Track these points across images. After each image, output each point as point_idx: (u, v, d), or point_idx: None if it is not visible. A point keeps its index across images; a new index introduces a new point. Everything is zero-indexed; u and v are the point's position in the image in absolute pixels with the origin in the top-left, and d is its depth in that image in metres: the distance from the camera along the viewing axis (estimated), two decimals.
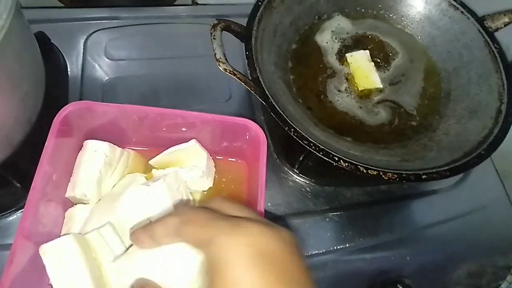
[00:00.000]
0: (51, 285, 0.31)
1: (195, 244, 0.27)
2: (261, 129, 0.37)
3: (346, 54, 0.52)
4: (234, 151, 0.42)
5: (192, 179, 0.39)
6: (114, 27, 0.58)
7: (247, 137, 0.39)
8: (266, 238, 0.25)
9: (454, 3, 0.51)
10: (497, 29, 0.49)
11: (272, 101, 0.41)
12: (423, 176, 0.39)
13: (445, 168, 0.40)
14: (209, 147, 0.41)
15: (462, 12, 0.50)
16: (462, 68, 0.50)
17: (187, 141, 0.39)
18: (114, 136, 0.40)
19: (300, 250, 0.27)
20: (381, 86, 0.50)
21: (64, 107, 0.36)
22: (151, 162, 0.40)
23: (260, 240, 0.25)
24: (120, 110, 0.37)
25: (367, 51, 0.52)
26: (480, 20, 0.49)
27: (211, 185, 0.42)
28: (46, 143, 0.34)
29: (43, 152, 0.34)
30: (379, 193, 0.50)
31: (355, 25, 0.55)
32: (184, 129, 0.39)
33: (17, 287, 0.30)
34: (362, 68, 0.51)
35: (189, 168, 0.39)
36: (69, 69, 0.53)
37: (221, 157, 0.44)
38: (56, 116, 0.35)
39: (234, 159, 0.44)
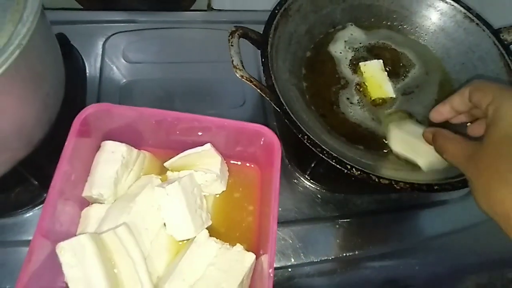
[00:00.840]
0: (66, 283, 0.32)
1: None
2: (275, 136, 0.38)
3: (360, 63, 0.52)
4: (247, 156, 0.43)
5: (206, 183, 0.40)
6: (132, 31, 0.59)
7: (262, 143, 0.39)
8: None
9: (470, 15, 0.51)
10: None
11: (287, 108, 0.41)
12: (435, 187, 0.39)
13: (457, 179, 0.40)
14: (223, 151, 0.41)
15: (477, 24, 0.50)
16: None
17: (202, 145, 0.40)
18: (131, 137, 0.40)
19: None
20: (394, 95, 0.50)
21: (85, 108, 0.37)
22: (166, 164, 0.41)
23: None
24: (138, 113, 0.38)
25: (381, 61, 0.52)
26: (496, 33, 0.49)
27: (224, 189, 0.42)
28: (66, 143, 0.35)
29: (63, 152, 0.35)
30: (389, 202, 0.51)
31: (369, 35, 0.56)
32: (200, 133, 0.40)
33: (34, 284, 0.31)
34: (375, 78, 0.51)
35: (203, 171, 0.40)
36: (87, 71, 0.54)
37: (235, 162, 0.44)
38: (77, 117, 0.36)
39: (247, 164, 0.44)
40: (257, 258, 0.36)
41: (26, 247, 0.40)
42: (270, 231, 0.34)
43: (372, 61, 0.52)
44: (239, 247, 0.36)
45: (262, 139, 0.39)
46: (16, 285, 0.30)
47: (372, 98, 0.50)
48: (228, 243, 0.37)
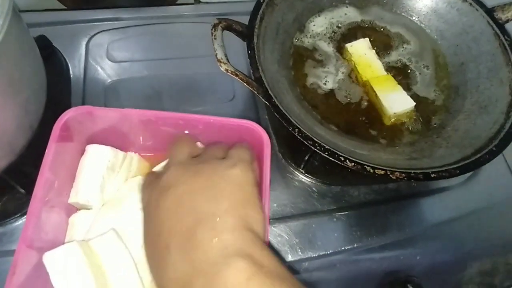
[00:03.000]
0: None
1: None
2: (264, 131, 0.36)
3: (346, 45, 0.50)
4: None
5: None
6: (115, 29, 0.57)
7: (251, 140, 0.38)
8: None
9: None
10: (507, 21, 0.48)
11: (276, 101, 0.40)
12: (432, 175, 0.38)
13: (455, 166, 0.39)
14: None
15: (470, 3, 0.49)
16: (471, 62, 0.48)
17: None
18: (117, 140, 0.39)
19: None
20: (385, 73, 0.49)
21: (64, 112, 0.35)
22: (155, 169, 0.40)
23: None
24: (121, 114, 0.37)
25: (367, 39, 0.51)
26: (490, 12, 0.48)
27: None
28: (46, 150, 0.34)
29: (43, 160, 0.34)
30: (387, 192, 0.49)
31: (361, 14, 0.54)
32: (186, 132, 0.38)
33: None
34: (364, 57, 0.50)
35: None
36: (71, 72, 0.53)
37: None
38: (56, 122, 0.35)
39: None
40: None
41: None
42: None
43: (358, 40, 0.50)
44: None
45: (252, 136, 0.37)
46: None
47: (364, 80, 0.48)
48: None
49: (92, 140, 0.38)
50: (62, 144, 0.35)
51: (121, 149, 0.39)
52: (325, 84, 0.49)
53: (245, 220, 0.28)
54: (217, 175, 0.30)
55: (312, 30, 0.52)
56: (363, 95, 0.48)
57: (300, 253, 0.44)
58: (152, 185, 0.32)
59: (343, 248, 0.45)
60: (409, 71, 0.51)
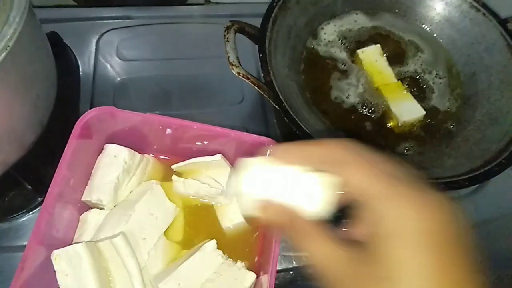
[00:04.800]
0: None
1: (356, 190, 0.22)
2: None
3: (357, 51, 0.50)
4: None
5: (210, 195, 0.39)
6: (126, 27, 0.58)
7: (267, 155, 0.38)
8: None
9: (476, 4, 0.49)
10: None
11: (286, 105, 0.40)
12: (442, 185, 0.37)
13: (464, 177, 0.39)
14: (229, 161, 0.40)
15: (484, 14, 0.48)
16: (483, 73, 0.48)
17: (207, 153, 0.39)
18: (135, 141, 0.39)
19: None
20: (395, 81, 0.48)
21: (87, 112, 0.36)
22: (174, 167, 0.40)
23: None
24: (143, 118, 0.37)
25: (378, 45, 0.50)
26: (503, 23, 0.48)
27: (229, 202, 0.40)
28: (66, 147, 0.34)
29: (62, 157, 0.34)
30: None
31: (372, 21, 0.54)
32: (205, 142, 0.39)
33: None
34: (375, 64, 0.49)
35: (208, 184, 0.38)
36: (81, 69, 0.53)
37: None
38: (78, 120, 0.35)
39: None
40: (257, 277, 0.35)
41: (21, 252, 0.40)
42: (273, 251, 0.33)
43: (369, 47, 0.50)
44: (240, 264, 0.35)
45: (267, 152, 0.38)
46: None
47: (375, 86, 0.48)
48: (231, 259, 0.36)
49: (111, 139, 0.38)
50: (81, 142, 0.35)
51: (138, 151, 0.39)
52: (347, 97, 0.48)
53: None
54: None
55: (324, 39, 0.52)
56: (377, 102, 0.48)
57: (304, 259, 0.44)
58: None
59: None
60: (423, 80, 0.50)
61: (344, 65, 0.50)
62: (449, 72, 0.51)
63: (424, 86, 0.50)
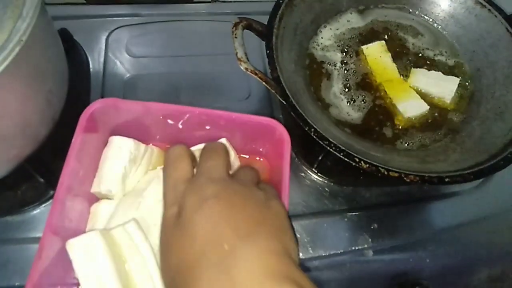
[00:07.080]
0: (77, 279, 0.32)
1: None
2: (285, 129, 0.37)
3: (362, 47, 0.51)
4: (256, 149, 0.42)
5: None
6: (135, 24, 0.58)
7: (271, 137, 0.39)
8: None
9: (481, 0, 0.49)
10: None
11: (293, 100, 0.41)
12: (446, 179, 0.38)
13: (469, 171, 0.39)
14: (232, 145, 0.41)
15: (489, 10, 0.49)
16: (488, 68, 0.49)
17: (210, 139, 0.39)
18: (139, 132, 0.40)
19: None
20: (399, 77, 0.49)
21: (91, 104, 0.36)
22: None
23: None
24: (145, 107, 0.38)
25: (383, 42, 0.51)
26: (509, 18, 0.48)
27: None
28: (73, 139, 0.35)
29: (70, 149, 0.35)
30: (399, 194, 0.50)
31: (375, 17, 0.54)
32: (208, 127, 0.39)
33: (45, 280, 0.31)
34: (379, 60, 0.50)
35: None
36: (91, 66, 0.54)
37: (244, 155, 0.44)
38: (83, 112, 0.36)
39: (256, 158, 0.44)
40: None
41: (34, 244, 0.41)
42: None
43: (374, 43, 0.51)
44: None
45: (272, 133, 0.38)
46: (27, 282, 0.30)
47: (378, 82, 0.49)
48: None
49: (116, 131, 0.39)
50: (87, 134, 0.36)
51: (143, 141, 0.39)
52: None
53: (286, 248, 0.27)
54: (256, 200, 0.30)
55: (329, 37, 0.52)
56: (377, 98, 0.49)
57: (311, 251, 0.45)
58: (187, 190, 0.30)
59: (353, 248, 0.46)
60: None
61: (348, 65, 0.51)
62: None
63: None
